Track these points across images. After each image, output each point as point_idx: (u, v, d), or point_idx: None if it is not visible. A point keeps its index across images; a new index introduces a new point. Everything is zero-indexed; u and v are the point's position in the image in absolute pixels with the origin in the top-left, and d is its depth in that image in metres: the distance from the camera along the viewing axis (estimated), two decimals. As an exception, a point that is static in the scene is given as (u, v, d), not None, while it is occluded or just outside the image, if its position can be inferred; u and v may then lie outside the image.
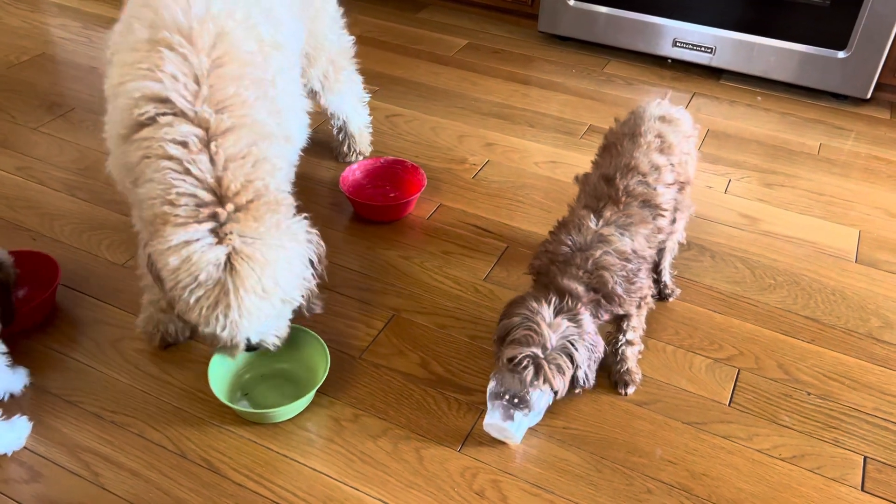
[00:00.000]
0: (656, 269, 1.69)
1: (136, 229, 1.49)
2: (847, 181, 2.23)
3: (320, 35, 1.82)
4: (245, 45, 1.30)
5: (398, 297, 1.75)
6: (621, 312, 1.42)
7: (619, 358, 1.52)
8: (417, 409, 1.49)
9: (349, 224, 1.97)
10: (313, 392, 1.45)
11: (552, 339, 1.30)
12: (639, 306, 1.46)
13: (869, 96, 2.54)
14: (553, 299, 1.33)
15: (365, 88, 2.18)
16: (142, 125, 1.21)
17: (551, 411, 1.49)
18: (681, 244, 1.74)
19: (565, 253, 1.39)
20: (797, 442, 1.46)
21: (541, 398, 1.38)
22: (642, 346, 1.56)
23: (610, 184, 1.45)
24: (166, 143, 1.18)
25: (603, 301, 1.37)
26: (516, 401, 1.37)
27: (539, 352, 1.29)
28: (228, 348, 1.30)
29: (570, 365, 1.31)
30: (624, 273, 1.37)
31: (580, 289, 1.35)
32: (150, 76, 1.21)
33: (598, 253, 1.37)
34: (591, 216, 1.42)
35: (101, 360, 1.57)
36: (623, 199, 1.43)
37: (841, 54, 2.50)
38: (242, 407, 1.46)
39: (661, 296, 1.75)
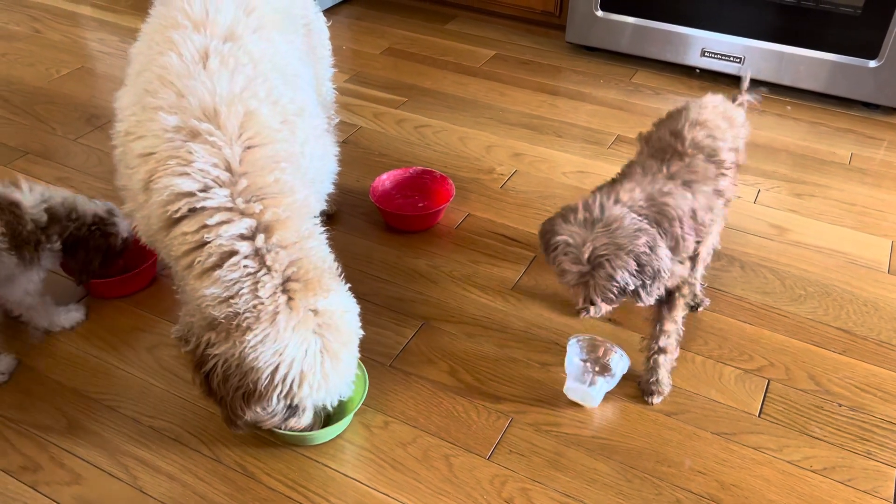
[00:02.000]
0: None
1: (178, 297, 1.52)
2: (879, 191, 2.21)
3: (320, 80, 1.82)
4: (273, 122, 1.27)
5: (427, 306, 1.77)
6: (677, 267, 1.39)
7: (650, 365, 1.53)
8: (447, 417, 1.50)
9: (379, 233, 1.99)
10: (351, 415, 1.46)
11: (587, 262, 1.29)
12: (671, 303, 1.46)
13: (901, 105, 2.52)
14: (592, 204, 1.33)
15: (393, 100, 2.20)
16: (177, 221, 1.21)
17: (579, 421, 1.50)
18: (715, 250, 1.73)
19: (630, 175, 1.43)
20: (828, 454, 1.45)
21: (618, 363, 1.47)
22: (677, 354, 1.55)
23: (677, 136, 1.48)
24: (224, 241, 1.18)
25: (662, 221, 1.34)
26: (597, 368, 1.47)
27: (575, 274, 1.30)
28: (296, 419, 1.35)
29: (613, 282, 1.28)
30: (680, 223, 1.35)
31: (639, 193, 1.35)
32: (181, 172, 1.18)
33: (662, 190, 1.38)
34: (659, 166, 1.44)
35: (139, 365, 1.61)
36: (690, 150, 1.46)
37: (872, 63, 2.48)
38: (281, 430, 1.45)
39: (690, 307, 1.75)
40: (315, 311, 1.22)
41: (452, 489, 1.37)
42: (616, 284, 1.29)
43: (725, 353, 1.66)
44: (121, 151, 1.29)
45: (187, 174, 1.18)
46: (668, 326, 1.49)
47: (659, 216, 1.34)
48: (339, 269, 1.31)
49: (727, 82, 2.76)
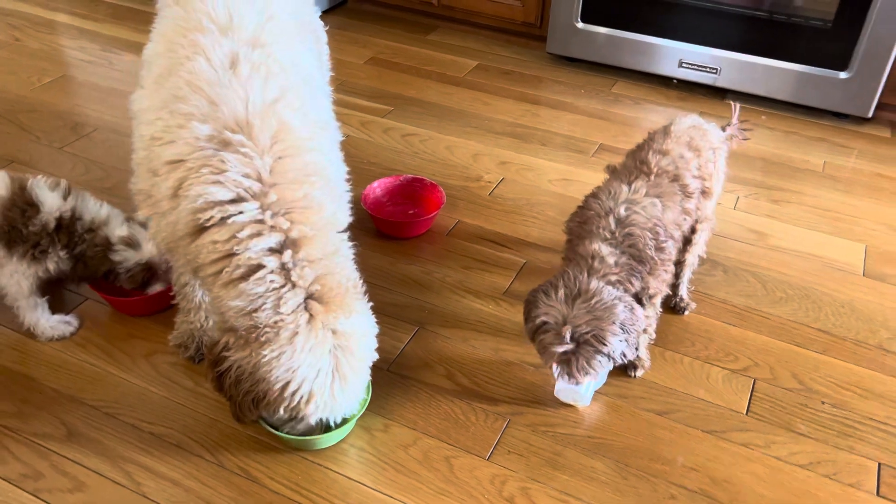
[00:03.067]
0: (674, 282, 1.75)
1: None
2: (851, 197, 2.29)
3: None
4: (303, 133, 1.29)
5: (421, 311, 1.80)
6: (651, 284, 1.47)
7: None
8: (445, 420, 1.53)
9: (371, 240, 2.02)
10: (354, 421, 1.48)
11: (570, 334, 1.35)
12: (651, 296, 1.53)
13: (870, 115, 2.62)
14: (569, 279, 1.38)
15: (379, 109, 2.23)
16: (205, 229, 1.22)
17: (574, 421, 1.54)
18: (701, 258, 1.79)
19: (594, 214, 1.48)
20: (813, 449, 1.51)
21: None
22: (654, 335, 1.65)
23: (643, 162, 1.56)
24: (252, 254, 1.20)
25: (634, 264, 1.42)
26: None
27: (562, 349, 1.35)
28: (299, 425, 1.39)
29: (601, 349, 1.35)
30: (653, 235, 1.44)
31: (605, 251, 1.42)
32: (214, 181, 1.20)
33: (628, 213, 1.45)
34: (622, 185, 1.51)
35: (136, 373, 1.61)
36: (655, 170, 1.53)
37: (843, 75, 2.57)
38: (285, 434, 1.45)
39: (675, 308, 1.81)
40: (334, 332, 1.24)
41: (454, 489, 1.40)
42: (604, 355, 1.36)
43: (712, 354, 1.71)
44: (144, 156, 1.29)
45: (220, 183, 1.19)
46: (649, 311, 1.57)
47: (629, 261, 1.43)
48: (364, 286, 1.33)
49: (704, 92, 2.84)
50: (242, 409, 1.29)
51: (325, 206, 1.27)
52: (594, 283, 1.37)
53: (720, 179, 1.69)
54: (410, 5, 3.29)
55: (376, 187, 2.12)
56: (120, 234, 1.64)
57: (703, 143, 1.64)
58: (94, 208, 1.65)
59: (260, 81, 1.26)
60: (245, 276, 1.20)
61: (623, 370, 1.63)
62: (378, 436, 1.50)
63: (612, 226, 1.45)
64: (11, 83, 2.70)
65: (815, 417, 1.57)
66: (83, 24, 3.20)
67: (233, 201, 1.20)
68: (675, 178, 1.55)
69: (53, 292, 1.76)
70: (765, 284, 1.93)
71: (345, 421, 1.45)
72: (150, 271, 1.68)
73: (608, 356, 1.36)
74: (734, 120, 1.82)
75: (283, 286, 1.21)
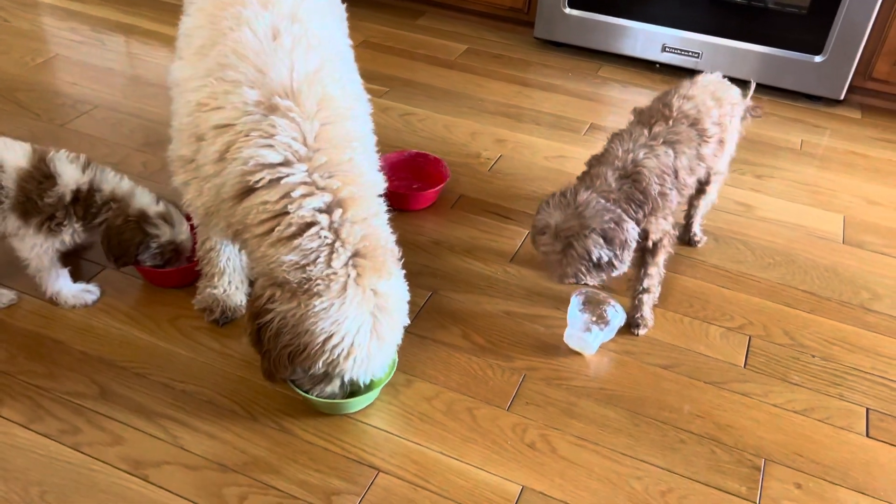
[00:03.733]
0: (688, 220, 1.93)
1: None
2: (828, 173, 2.43)
3: None
4: (344, 103, 1.35)
5: (433, 278, 1.87)
6: (651, 227, 1.58)
7: (635, 303, 1.73)
8: (464, 375, 1.61)
9: (379, 212, 2.08)
10: (381, 386, 1.52)
11: (559, 242, 1.48)
12: (654, 251, 1.65)
13: (842, 97, 2.77)
14: (569, 192, 1.52)
15: (376, 89, 2.29)
16: (253, 190, 1.27)
17: (586, 375, 1.63)
18: (714, 206, 1.97)
19: (612, 151, 1.58)
20: (807, 397, 1.62)
21: (615, 316, 1.63)
22: (658, 293, 1.75)
23: (666, 105, 1.66)
24: (305, 212, 1.24)
25: (635, 193, 1.52)
26: (594, 319, 1.66)
27: (554, 254, 1.50)
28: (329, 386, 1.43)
29: (580, 251, 1.47)
30: (659, 181, 1.54)
31: (610, 175, 1.53)
32: (265, 144, 1.25)
33: (641, 154, 1.55)
34: (644, 128, 1.61)
35: (162, 336, 1.65)
36: (676, 115, 1.63)
37: (817, 59, 2.71)
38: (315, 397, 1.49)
39: (689, 242, 1.99)
40: (375, 292, 1.29)
41: (479, 437, 1.48)
42: (586, 259, 1.48)
43: (709, 314, 1.82)
44: (188, 122, 1.33)
45: (271, 146, 1.24)
46: (651, 270, 1.69)
47: (631, 190, 1.52)
48: (400, 253, 1.39)
49: (686, 76, 2.95)
50: (277, 364, 1.32)
51: (366, 170, 1.34)
52: (585, 195, 1.49)
53: (734, 136, 1.81)
54: (399, -9, 3.34)
55: (381, 162, 2.18)
56: (157, 209, 1.67)
57: (725, 95, 1.77)
58: (114, 180, 1.69)
59: (303, 52, 1.32)
60: (298, 234, 1.25)
61: (627, 328, 1.73)
62: (402, 390, 1.57)
63: (625, 163, 1.55)
64: (5, 63, 2.70)
65: (807, 369, 1.69)
66: (69, 6, 3.19)
67: (283, 164, 1.25)
68: (695, 123, 1.65)
69: (72, 262, 1.79)
70: (754, 251, 2.04)
71: (371, 386, 1.50)
72: (176, 252, 1.71)
73: (588, 260, 1.47)
74: (748, 98, 1.92)
75: (334, 241, 1.26)
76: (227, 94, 1.28)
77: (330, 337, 1.27)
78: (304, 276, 1.26)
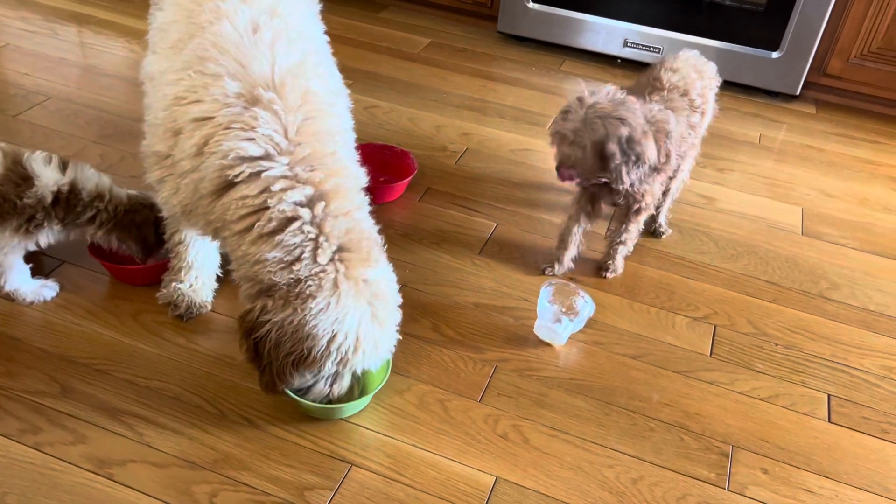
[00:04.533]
0: (657, 205, 1.97)
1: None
2: (786, 166, 2.48)
3: None
4: (326, 97, 1.33)
5: (402, 271, 1.85)
6: (646, 193, 1.69)
7: (610, 252, 1.87)
8: (436, 367, 1.60)
9: (345, 205, 2.06)
10: (379, 387, 1.49)
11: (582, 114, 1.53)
12: (638, 211, 1.76)
13: (798, 93, 2.83)
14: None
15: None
16: (233, 185, 1.24)
17: (556, 366, 1.64)
18: (677, 200, 2.05)
19: (634, 98, 1.62)
20: (771, 384, 1.65)
21: (584, 307, 1.64)
22: (632, 248, 1.89)
23: (655, 79, 1.75)
24: (286, 206, 1.21)
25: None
26: (564, 310, 1.67)
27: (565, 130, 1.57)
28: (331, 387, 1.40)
29: (601, 134, 1.51)
30: (669, 141, 1.61)
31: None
32: (246, 137, 1.22)
33: (658, 113, 1.62)
34: (641, 97, 1.70)
35: (124, 331, 1.61)
36: (667, 86, 1.72)
37: (774, 55, 2.77)
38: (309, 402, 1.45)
39: (654, 233, 2.03)
40: (366, 281, 1.27)
41: (451, 429, 1.48)
42: (600, 146, 1.51)
43: (675, 304, 1.85)
44: (164, 116, 1.29)
45: (252, 139, 1.21)
46: (632, 227, 1.82)
47: (656, 132, 1.58)
48: (384, 241, 1.38)
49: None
50: (281, 374, 1.28)
51: (349, 163, 1.32)
52: (628, 98, 1.56)
53: (710, 111, 1.88)
54: (361, -17, 3.32)
55: (348, 154, 2.15)
56: (135, 192, 1.66)
57: (705, 69, 1.87)
58: (94, 177, 1.63)
59: (284, 46, 1.30)
60: (279, 229, 1.22)
61: (597, 271, 1.88)
62: (373, 383, 1.55)
63: (646, 115, 1.59)
64: (-48, 51, 2.60)
65: (770, 357, 1.72)
66: (21, -5, 3.09)
67: (263, 157, 1.22)
68: (685, 93, 1.74)
69: (30, 257, 1.73)
70: (717, 243, 2.08)
71: (366, 391, 1.49)
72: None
73: (602, 144, 1.50)
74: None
75: (318, 236, 1.23)
76: (206, 87, 1.25)
77: (334, 336, 1.24)
78: (292, 276, 1.22)
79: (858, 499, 1.42)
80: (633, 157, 1.51)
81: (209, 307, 1.66)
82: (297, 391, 1.40)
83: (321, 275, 1.22)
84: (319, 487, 1.34)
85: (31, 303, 1.64)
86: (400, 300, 1.38)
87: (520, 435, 1.48)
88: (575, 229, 1.82)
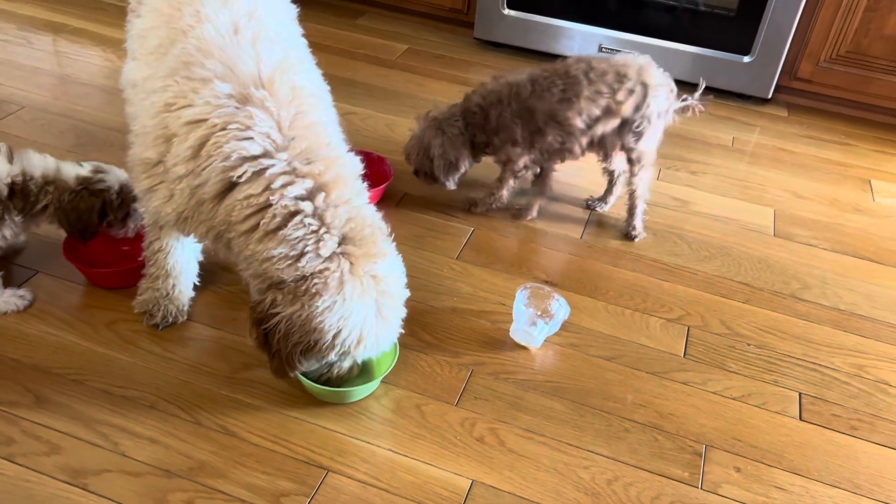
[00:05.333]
0: (630, 212, 2.08)
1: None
2: (758, 168, 2.52)
3: None
4: (314, 91, 1.36)
5: (379, 276, 1.86)
6: (503, 150, 2.00)
7: (495, 186, 2.11)
8: (412, 372, 1.61)
9: (322, 212, 2.07)
10: (387, 370, 1.53)
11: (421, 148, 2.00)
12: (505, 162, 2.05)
13: (770, 96, 2.87)
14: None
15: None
16: (235, 185, 1.25)
17: (532, 369, 1.65)
18: (651, 202, 2.12)
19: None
20: (743, 384, 1.68)
21: (559, 310, 1.66)
22: (504, 200, 2.13)
23: (597, 74, 1.95)
24: (288, 202, 1.23)
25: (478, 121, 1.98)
26: (539, 313, 1.69)
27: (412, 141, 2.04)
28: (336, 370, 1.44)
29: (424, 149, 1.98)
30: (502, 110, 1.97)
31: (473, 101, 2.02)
32: (245, 137, 1.23)
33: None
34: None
35: (99, 341, 1.60)
36: (574, 73, 1.94)
37: (746, 59, 2.81)
38: (320, 387, 1.48)
39: (628, 236, 2.11)
40: (374, 277, 1.29)
41: (427, 433, 1.48)
42: (425, 151, 1.98)
43: (649, 305, 1.87)
44: (154, 124, 1.29)
45: (250, 138, 1.22)
46: (509, 175, 2.06)
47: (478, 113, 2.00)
48: (389, 230, 1.40)
49: (622, 76, 3.02)
50: (290, 361, 1.32)
51: (343, 153, 1.34)
52: (455, 108, 2.02)
53: (654, 124, 1.97)
54: (338, -10, 3.33)
55: (324, 161, 2.16)
56: (88, 168, 1.65)
57: (634, 73, 1.94)
58: (41, 162, 1.64)
59: (266, 45, 1.31)
60: (282, 225, 1.23)
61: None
62: (350, 389, 1.56)
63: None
64: (-77, 61, 2.58)
65: (743, 357, 1.75)
66: (-6, 4, 3.07)
67: (263, 155, 1.24)
68: (615, 100, 1.93)
69: (3, 266, 1.72)
70: (690, 245, 2.10)
71: (374, 374, 1.54)
72: (130, 191, 1.65)
73: (426, 152, 1.99)
74: (697, 93, 2.07)
75: (319, 228, 1.25)
76: (196, 91, 1.26)
77: (339, 332, 1.28)
78: (298, 273, 1.25)
79: (829, 495, 1.45)
80: (446, 162, 1.98)
81: (185, 316, 1.66)
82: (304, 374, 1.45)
83: (325, 272, 1.25)
84: (295, 493, 1.35)
85: (4, 312, 1.63)
86: (407, 293, 1.41)
87: (496, 438, 1.49)
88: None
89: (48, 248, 1.82)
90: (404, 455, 1.44)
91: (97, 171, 1.66)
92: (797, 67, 2.82)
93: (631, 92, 1.91)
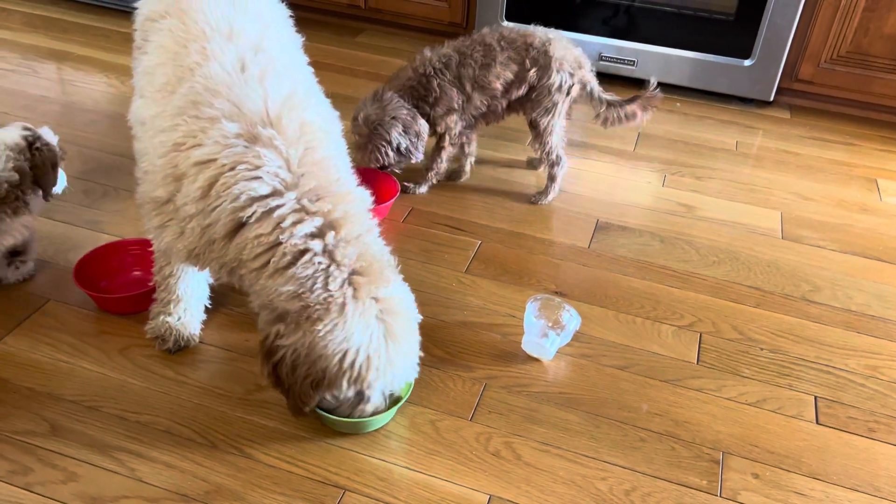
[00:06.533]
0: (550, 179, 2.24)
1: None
2: (763, 171, 2.52)
3: None
4: (322, 126, 1.36)
5: (388, 292, 1.86)
6: (438, 118, 2.12)
7: (432, 160, 2.24)
8: (425, 388, 1.61)
9: (329, 230, 2.07)
10: (404, 400, 1.50)
11: (366, 127, 2.07)
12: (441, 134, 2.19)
13: (772, 99, 2.88)
14: (378, 91, 2.12)
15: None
16: (244, 225, 1.25)
17: (545, 381, 1.65)
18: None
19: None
20: (758, 389, 1.67)
21: (570, 321, 1.66)
22: (441, 174, 2.29)
23: (523, 47, 2.11)
24: (298, 240, 1.23)
25: (419, 90, 2.10)
26: (551, 324, 1.68)
27: (363, 139, 2.08)
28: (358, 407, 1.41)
29: (386, 142, 2.05)
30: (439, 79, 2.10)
31: (405, 78, 2.13)
32: (253, 177, 1.23)
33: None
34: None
35: (112, 366, 1.61)
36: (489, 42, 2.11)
37: (746, 63, 2.82)
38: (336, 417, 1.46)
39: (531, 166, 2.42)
40: (377, 299, 1.28)
41: (443, 449, 1.48)
42: (388, 143, 2.05)
43: (660, 313, 1.86)
44: (163, 163, 1.30)
45: (259, 178, 1.23)
46: (446, 143, 2.20)
47: (421, 80, 2.11)
48: (397, 263, 1.39)
49: (623, 83, 3.03)
50: (302, 396, 1.31)
51: (353, 188, 1.34)
52: (388, 94, 2.07)
53: (552, 90, 2.10)
54: (338, 9, 3.35)
55: (330, 179, 2.17)
56: (19, 131, 1.71)
57: (538, 43, 2.09)
58: (12, 139, 1.69)
59: (273, 80, 1.32)
60: (292, 263, 1.24)
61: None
62: (364, 407, 1.55)
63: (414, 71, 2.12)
64: (-70, 93, 2.60)
65: (756, 362, 1.74)
66: (-2, 34, 3.10)
67: (272, 194, 1.24)
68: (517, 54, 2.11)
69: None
70: (698, 250, 2.10)
71: (393, 403, 1.49)
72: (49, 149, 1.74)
73: (389, 143, 2.04)
74: (647, 92, 2.19)
75: (329, 265, 1.25)
76: (204, 131, 1.26)
77: (344, 355, 1.26)
78: (302, 304, 1.24)
79: (849, 499, 1.44)
80: (415, 138, 2.09)
81: (197, 339, 1.67)
82: (326, 410, 1.44)
83: (328, 300, 1.24)
84: (313, 514, 1.34)
85: (16, 281, 1.79)
86: (419, 318, 1.39)
87: (512, 451, 1.49)
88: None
89: (59, 275, 1.83)
90: (420, 472, 1.43)
91: (26, 128, 1.72)
92: (798, 69, 2.82)
93: (535, 61, 2.08)
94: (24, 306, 1.74)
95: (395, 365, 1.33)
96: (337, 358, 1.26)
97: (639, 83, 3.01)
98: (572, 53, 2.13)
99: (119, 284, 1.80)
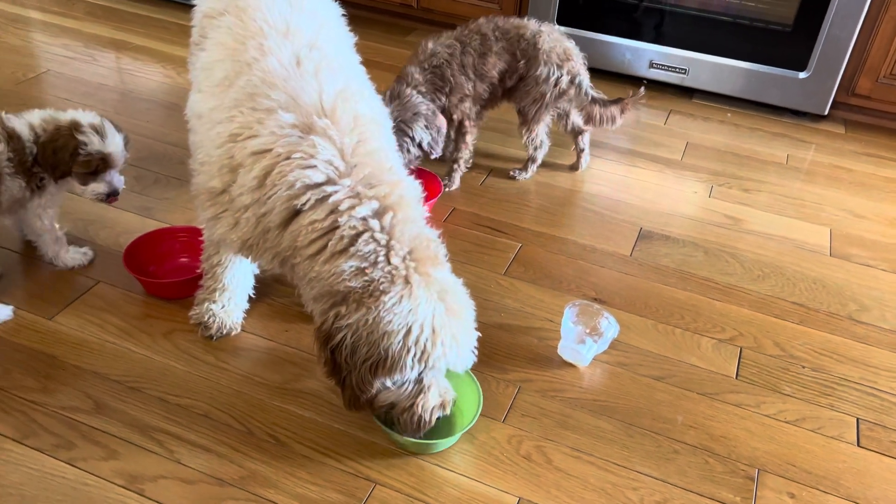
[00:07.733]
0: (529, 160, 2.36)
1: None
2: (814, 186, 2.47)
3: None
4: (374, 118, 1.38)
5: (427, 291, 1.88)
6: (453, 107, 2.16)
7: (458, 149, 2.28)
8: (460, 388, 1.61)
9: (372, 226, 2.10)
10: (474, 420, 1.48)
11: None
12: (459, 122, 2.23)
13: (826, 113, 2.81)
14: (393, 89, 2.12)
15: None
16: (298, 213, 1.27)
17: (580, 387, 1.64)
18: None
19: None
20: (798, 407, 1.64)
21: (608, 328, 1.65)
22: (469, 164, 2.33)
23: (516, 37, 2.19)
24: (356, 221, 1.25)
25: (437, 82, 2.12)
26: (588, 331, 1.68)
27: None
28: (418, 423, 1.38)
29: (410, 138, 2.04)
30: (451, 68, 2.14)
31: (416, 72, 2.12)
32: (308, 165, 1.26)
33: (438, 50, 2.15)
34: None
35: (157, 350, 1.65)
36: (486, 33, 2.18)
37: (802, 75, 2.76)
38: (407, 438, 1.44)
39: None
40: (437, 279, 1.29)
41: (474, 449, 1.49)
42: (412, 139, 2.03)
43: (700, 325, 1.84)
44: (220, 154, 1.33)
45: (314, 166, 1.25)
46: (468, 139, 2.26)
47: (436, 72, 2.13)
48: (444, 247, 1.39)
49: (673, 92, 3.00)
50: (361, 382, 1.29)
51: (405, 177, 1.36)
52: (406, 90, 2.07)
53: (539, 81, 2.17)
54: (390, 7, 3.38)
55: (375, 176, 2.19)
56: (90, 121, 1.70)
57: (529, 35, 2.15)
58: (41, 119, 1.72)
59: (327, 75, 1.35)
60: (351, 244, 1.25)
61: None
62: (398, 403, 1.57)
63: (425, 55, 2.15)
64: (-5, 78, 2.70)
65: (797, 380, 1.71)
66: (62, 22, 3.20)
67: (326, 182, 1.26)
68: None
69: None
70: (743, 264, 2.07)
71: (457, 427, 1.49)
72: (105, 163, 1.71)
73: (412, 139, 2.03)
74: (631, 97, 2.30)
75: (389, 241, 1.26)
76: (261, 122, 1.29)
77: (409, 329, 1.24)
78: (367, 278, 1.25)
79: (888, 525, 1.41)
80: (436, 133, 2.09)
81: (239, 328, 1.70)
82: (388, 425, 1.43)
83: (393, 272, 1.25)
84: (344, 506, 1.36)
85: (71, 267, 1.83)
86: (472, 303, 1.38)
87: (543, 456, 1.49)
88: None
89: (109, 258, 1.88)
90: (451, 470, 1.44)
91: (97, 128, 1.70)
92: (855, 83, 2.76)
93: (524, 52, 2.14)
94: (74, 287, 1.80)
95: (459, 342, 1.31)
96: (402, 334, 1.24)
97: (689, 92, 2.99)
98: (562, 45, 2.17)
99: (167, 270, 1.85)
